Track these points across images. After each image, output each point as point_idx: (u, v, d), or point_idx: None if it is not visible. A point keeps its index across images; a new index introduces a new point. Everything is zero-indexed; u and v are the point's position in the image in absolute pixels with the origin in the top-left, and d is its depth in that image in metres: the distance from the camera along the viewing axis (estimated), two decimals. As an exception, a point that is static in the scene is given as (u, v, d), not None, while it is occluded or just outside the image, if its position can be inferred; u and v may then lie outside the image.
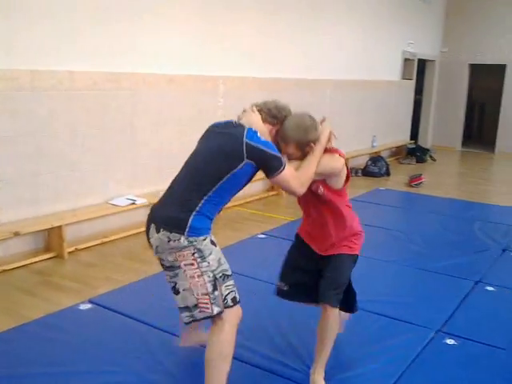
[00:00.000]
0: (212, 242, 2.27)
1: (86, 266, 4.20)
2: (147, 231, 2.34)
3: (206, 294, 2.20)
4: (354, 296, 2.83)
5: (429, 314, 3.37)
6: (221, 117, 6.36)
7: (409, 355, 2.87)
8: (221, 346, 2.24)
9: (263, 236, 4.96)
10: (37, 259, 4.20)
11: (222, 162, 2.24)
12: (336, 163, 2.50)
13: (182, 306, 2.27)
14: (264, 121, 2.43)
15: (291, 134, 2.41)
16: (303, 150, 2.44)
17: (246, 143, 2.22)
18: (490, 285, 3.88)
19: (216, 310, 2.20)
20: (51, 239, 4.35)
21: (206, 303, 2.20)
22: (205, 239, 2.22)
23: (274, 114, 2.44)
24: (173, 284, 2.27)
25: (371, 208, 6.28)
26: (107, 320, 3.20)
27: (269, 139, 2.36)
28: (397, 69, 10.37)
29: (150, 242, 2.32)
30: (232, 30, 6.01)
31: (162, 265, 2.32)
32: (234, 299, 2.26)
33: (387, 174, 8.51)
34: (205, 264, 2.20)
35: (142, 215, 5.23)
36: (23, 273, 4.00)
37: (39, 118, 4.26)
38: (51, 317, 3.22)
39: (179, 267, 2.22)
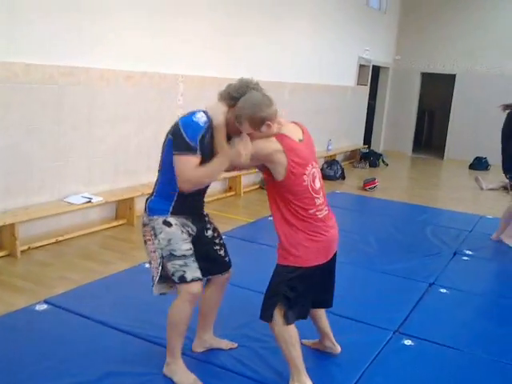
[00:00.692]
0: (166, 223, 2.46)
1: (41, 266, 4.07)
2: None
3: (157, 268, 2.49)
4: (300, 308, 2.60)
5: (386, 315, 3.44)
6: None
7: (368, 355, 2.93)
8: (170, 314, 2.52)
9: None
10: (-13, 258, 4.05)
11: (164, 147, 2.50)
12: (263, 144, 2.38)
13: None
14: (227, 106, 2.43)
15: (240, 111, 2.38)
16: (259, 129, 2.38)
17: (176, 123, 2.43)
18: (444, 287, 4.01)
19: (154, 284, 2.53)
20: (3, 237, 4.19)
21: (155, 276, 2.52)
22: (158, 219, 2.47)
23: (232, 96, 2.44)
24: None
25: (327, 210, 6.37)
26: (64, 321, 3.11)
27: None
28: (352, 74, 10.57)
29: None
30: (193, 29, 5.96)
31: None
32: (180, 278, 2.43)
33: (342, 177, 8.66)
34: (156, 241, 2.48)
35: (98, 214, 5.15)
36: (-27, 272, 3.85)
37: (-7, 110, 4.10)
38: (5, 317, 3.10)
39: (145, 242, 2.56)
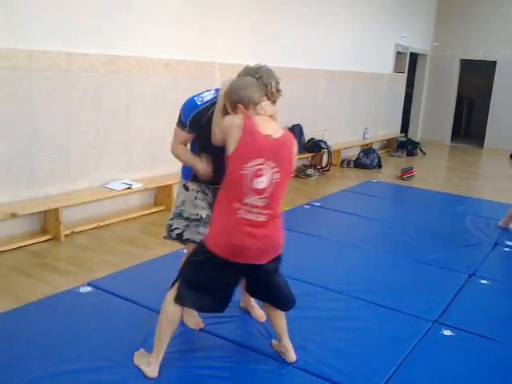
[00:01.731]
0: (185, 187, 2.81)
1: (83, 249, 4.18)
2: None
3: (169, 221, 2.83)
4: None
5: (425, 305, 3.41)
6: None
7: (407, 345, 2.91)
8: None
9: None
10: (33, 241, 4.17)
11: None
12: (227, 118, 2.39)
13: None
14: None
15: (223, 95, 2.46)
16: (235, 111, 2.39)
17: None
18: (484, 278, 3.94)
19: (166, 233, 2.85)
20: (48, 221, 4.32)
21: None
22: (181, 182, 2.85)
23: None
24: None
25: (364, 199, 6.33)
26: (107, 303, 3.19)
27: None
28: (389, 62, 10.41)
29: None
30: (229, 17, 5.97)
31: None
32: (178, 235, 2.77)
33: (379, 166, 8.57)
34: (176, 201, 2.84)
35: (138, 200, 5.24)
36: (20, 254, 3.97)
37: (36, 99, 4.19)
38: (51, 299, 3.21)
39: None
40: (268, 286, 2.55)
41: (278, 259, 2.51)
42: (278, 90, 2.58)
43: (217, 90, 2.60)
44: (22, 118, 4.12)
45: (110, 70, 4.74)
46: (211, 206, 2.68)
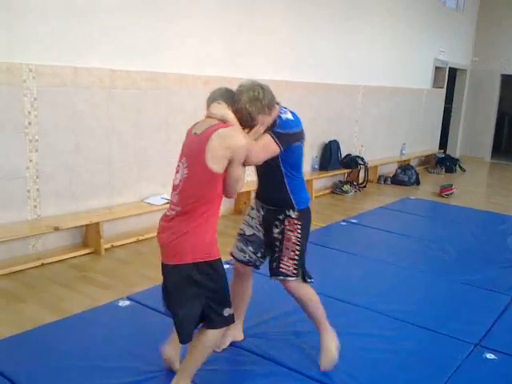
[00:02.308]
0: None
1: (122, 263, 4.25)
2: None
3: None
4: None
5: (466, 327, 3.33)
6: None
7: (448, 369, 2.85)
8: None
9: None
10: (74, 254, 4.27)
11: None
12: None
13: None
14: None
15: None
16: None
17: None
18: (527, 300, 3.84)
19: None
20: (89, 235, 4.42)
21: None
22: None
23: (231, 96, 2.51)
24: None
25: (401, 217, 6.26)
26: (145, 317, 3.23)
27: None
28: (428, 77, 10.30)
29: None
30: (266, 34, 6.03)
31: None
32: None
33: (417, 183, 8.45)
34: None
35: (176, 215, 5.30)
36: (61, 267, 4.07)
37: (79, 114, 4.32)
38: (91, 312, 3.27)
39: None
40: (169, 297, 2.37)
41: (184, 277, 2.25)
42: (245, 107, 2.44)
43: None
44: (66, 133, 4.25)
45: (151, 86, 4.85)
46: (260, 225, 2.80)
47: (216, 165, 2.24)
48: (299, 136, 2.64)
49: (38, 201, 4.13)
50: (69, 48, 4.15)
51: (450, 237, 5.43)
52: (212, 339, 2.39)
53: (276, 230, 2.70)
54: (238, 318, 2.87)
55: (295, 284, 2.71)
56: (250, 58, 5.86)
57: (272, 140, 2.54)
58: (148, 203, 4.81)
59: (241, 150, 2.29)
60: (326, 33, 7.00)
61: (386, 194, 7.71)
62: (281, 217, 2.69)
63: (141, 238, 4.76)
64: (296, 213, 2.68)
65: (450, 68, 10.99)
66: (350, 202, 7.11)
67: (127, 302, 3.39)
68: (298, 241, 2.68)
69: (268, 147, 2.54)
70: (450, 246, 5.01)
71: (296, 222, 2.68)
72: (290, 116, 2.64)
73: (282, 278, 2.68)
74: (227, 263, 3.74)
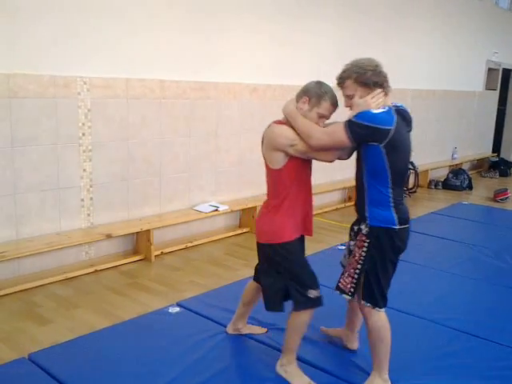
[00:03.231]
0: None
1: (172, 270, 4.32)
2: (408, 234, 2.56)
3: None
4: None
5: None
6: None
7: (506, 380, 2.74)
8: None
9: (343, 247, 4.88)
10: (126, 261, 4.37)
11: None
12: None
13: None
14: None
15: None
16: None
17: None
18: None
19: None
20: (140, 242, 4.52)
21: None
22: None
23: None
24: None
25: (454, 222, 6.09)
26: (196, 324, 3.25)
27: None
28: (480, 78, 10.02)
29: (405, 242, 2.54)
30: (313, 40, 6.02)
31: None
32: None
33: (469, 187, 8.21)
34: None
35: (224, 221, 5.36)
36: (113, 274, 4.17)
37: (131, 124, 4.43)
38: (142, 318, 3.33)
39: None
40: (258, 268, 2.82)
41: (265, 254, 2.66)
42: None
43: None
44: (118, 143, 4.36)
45: (201, 96, 4.93)
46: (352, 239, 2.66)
47: (271, 163, 2.56)
48: (378, 134, 2.32)
49: (91, 209, 4.26)
50: (121, 61, 4.27)
51: (505, 243, 5.24)
52: (299, 321, 2.57)
53: (352, 242, 2.64)
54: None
55: (368, 309, 2.52)
56: (295, 65, 5.85)
57: (342, 127, 2.35)
58: (197, 210, 4.87)
59: (278, 137, 2.48)
60: (372, 36, 6.91)
61: (437, 199, 7.54)
62: (355, 228, 2.61)
63: (190, 244, 4.83)
64: (366, 229, 2.47)
65: (503, 69, 10.65)
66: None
67: (177, 309, 3.43)
68: (361, 259, 2.47)
69: (334, 134, 2.38)
70: (505, 253, 4.84)
71: (364, 238, 2.47)
72: (385, 111, 2.38)
73: (338, 292, 2.60)
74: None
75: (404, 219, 2.47)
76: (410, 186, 7.71)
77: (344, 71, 2.55)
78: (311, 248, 4.88)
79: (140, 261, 4.45)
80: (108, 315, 3.42)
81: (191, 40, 4.74)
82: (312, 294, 2.52)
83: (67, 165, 4.06)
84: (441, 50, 8.47)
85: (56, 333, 3.16)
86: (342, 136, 2.36)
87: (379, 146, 2.34)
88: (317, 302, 2.55)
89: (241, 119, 5.38)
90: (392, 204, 2.44)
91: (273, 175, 2.58)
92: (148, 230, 4.40)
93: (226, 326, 3.17)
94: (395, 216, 2.44)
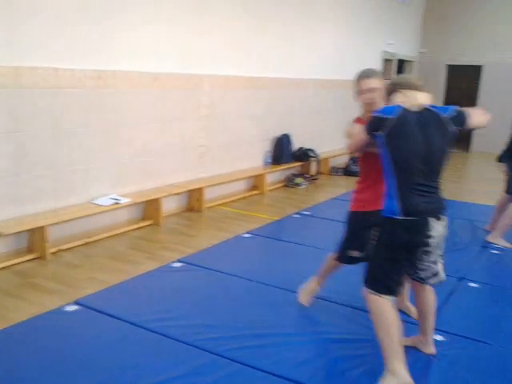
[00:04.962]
0: None
1: (70, 267, 4.13)
2: (423, 227, 2.51)
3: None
4: None
5: (416, 310, 3.40)
6: (205, 115, 6.32)
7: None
8: None
9: (248, 235, 4.95)
10: (19, 260, 4.12)
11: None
12: None
13: (433, 273, 2.73)
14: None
15: None
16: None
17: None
18: (474, 281, 3.94)
19: None
20: (34, 240, 4.27)
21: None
22: None
23: None
24: (433, 261, 2.68)
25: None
26: (94, 321, 3.15)
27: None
28: (377, 68, 10.44)
29: (426, 236, 2.52)
30: (217, 30, 5.98)
31: (427, 249, 2.59)
32: None
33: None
34: None
35: (126, 215, 5.21)
36: (5, 274, 3.91)
37: (21, 116, 4.17)
38: (37, 319, 3.16)
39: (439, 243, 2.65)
40: None
41: None
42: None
43: None
44: (7, 136, 4.08)
45: (98, 85, 4.73)
46: None
47: None
48: (378, 122, 2.54)
49: (-22, 207, 3.98)
50: (7, 47, 3.98)
51: None
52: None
53: None
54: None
55: (366, 293, 2.62)
56: (200, 54, 5.79)
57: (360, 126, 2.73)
58: (96, 204, 4.70)
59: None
60: (274, 28, 6.98)
61: (338, 185, 7.80)
62: None
63: (89, 240, 4.64)
64: (380, 218, 2.61)
65: (398, 60, 11.19)
66: (302, 194, 7.15)
67: (75, 307, 3.30)
68: (376, 251, 2.64)
69: (353, 132, 2.88)
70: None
71: (376, 228, 2.67)
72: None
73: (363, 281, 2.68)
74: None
75: (413, 211, 2.49)
76: (312, 173, 7.92)
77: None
78: (217, 237, 4.93)
79: (35, 259, 4.21)
80: (1, 319, 3.20)
81: (86, 27, 4.52)
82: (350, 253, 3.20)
83: None
84: (340, 41, 8.74)
85: None
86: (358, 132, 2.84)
87: (383, 134, 2.51)
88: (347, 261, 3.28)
89: (141, 109, 5.23)
90: (397, 194, 2.50)
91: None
92: (42, 227, 4.17)
93: (126, 321, 3.10)
94: (398, 206, 2.49)
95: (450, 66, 12.00)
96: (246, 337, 2.99)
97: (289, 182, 7.49)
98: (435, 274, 2.74)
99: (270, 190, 7.12)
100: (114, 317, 3.18)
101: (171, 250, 4.57)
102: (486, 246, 4.83)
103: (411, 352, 2.86)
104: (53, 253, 4.32)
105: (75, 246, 4.53)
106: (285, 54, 7.29)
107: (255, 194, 6.87)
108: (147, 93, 5.25)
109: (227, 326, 3.11)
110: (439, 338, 3.06)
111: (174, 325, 3.10)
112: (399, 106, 2.54)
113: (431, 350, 2.91)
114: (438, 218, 2.56)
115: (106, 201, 4.78)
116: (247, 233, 5.01)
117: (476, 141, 11.66)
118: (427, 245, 2.56)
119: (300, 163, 7.84)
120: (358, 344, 2.98)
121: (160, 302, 3.44)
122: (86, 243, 4.62)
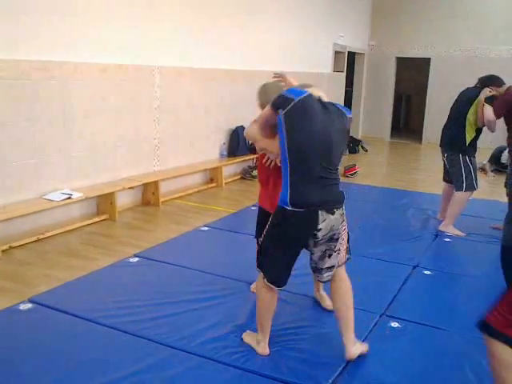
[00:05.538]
0: None
1: (23, 265, 4.01)
2: (312, 220, 2.48)
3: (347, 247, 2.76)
4: None
5: (372, 298, 3.46)
6: (157, 107, 6.22)
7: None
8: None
9: (206, 228, 4.92)
10: (-33, 260, 3.97)
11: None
12: None
13: (328, 266, 2.66)
14: None
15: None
16: None
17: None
18: (427, 269, 4.06)
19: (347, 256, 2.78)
20: (-18, 238, 4.12)
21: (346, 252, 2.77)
22: None
23: None
24: (330, 252, 2.63)
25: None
26: (49, 319, 3.07)
27: None
28: (328, 61, 10.57)
29: (316, 229, 2.49)
30: (169, 21, 5.89)
31: (327, 240, 2.59)
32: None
33: (322, 164, 8.64)
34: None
35: (79, 210, 5.09)
36: (-48, 275, 3.77)
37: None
38: (-12, 319, 3.06)
39: (340, 234, 2.63)
40: None
41: None
42: None
43: None
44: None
45: (45, 77, 4.58)
46: None
47: None
48: (283, 101, 2.50)
49: None
50: None
51: (354, 214, 5.45)
52: None
53: None
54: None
55: (258, 278, 2.74)
56: (151, 44, 5.70)
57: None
58: (47, 199, 4.56)
59: None
60: (222, 20, 6.93)
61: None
62: None
63: (41, 236, 4.51)
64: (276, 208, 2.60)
65: (349, 52, 11.34)
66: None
67: (29, 305, 3.19)
68: (265, 236, 2.64)
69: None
70: (354, 224, 5.10)
71: (272, 217, 2.63)
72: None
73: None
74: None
75: (303, 202, 2.46)
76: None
77: None
78: (175, 230, 4.88)
79: (-16, 258, 4.08)
80: None
81: (30, 16, 4.36)
82: None
83: None
84: (291, 33, 8.76)
85: None
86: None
87: (281, 115, 2.49)
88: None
89: (90, 101, 5.10)
90: (290, 184, 2.48)
91: None
92: (-11, 224, 4.03)
93: (81, 317, 3.03)
94: (290, 197, 2.47)
95: (399, 58, 12.24)
96: (207, 330, 2.98)
97: (245, 175, 7.49)
98: (329, 268, 2.68)
99: (227, 183, 7.10)
100: (70, 314, 3.11)
101: (127, 244, 4.50)
102: (439, 234, 4.97)
103: (369, 339, 2.92)
104: (3, 250, 4.16)
105: (27, 243, 4.39)
106: (236, 45, 7.25)
107: (212, 187, 6.84)
108: (96, 84, 5.12)
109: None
110: (395, 324, 3.13)
111: (131, 320, 3.05)
112: (307, 92, 2.55)
113: (351, 352, 2.71)
114: (331, 212, 2.52)
115: (57, 196, 4.65)
116: (204, 226, 4.98)
117: (427, 132, 11.95)
118: (315, 237, 2.54)
119: (256, 155, 7.84)
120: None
121: (117, 297, 3.38)
122: (39, 240, 4.48)
